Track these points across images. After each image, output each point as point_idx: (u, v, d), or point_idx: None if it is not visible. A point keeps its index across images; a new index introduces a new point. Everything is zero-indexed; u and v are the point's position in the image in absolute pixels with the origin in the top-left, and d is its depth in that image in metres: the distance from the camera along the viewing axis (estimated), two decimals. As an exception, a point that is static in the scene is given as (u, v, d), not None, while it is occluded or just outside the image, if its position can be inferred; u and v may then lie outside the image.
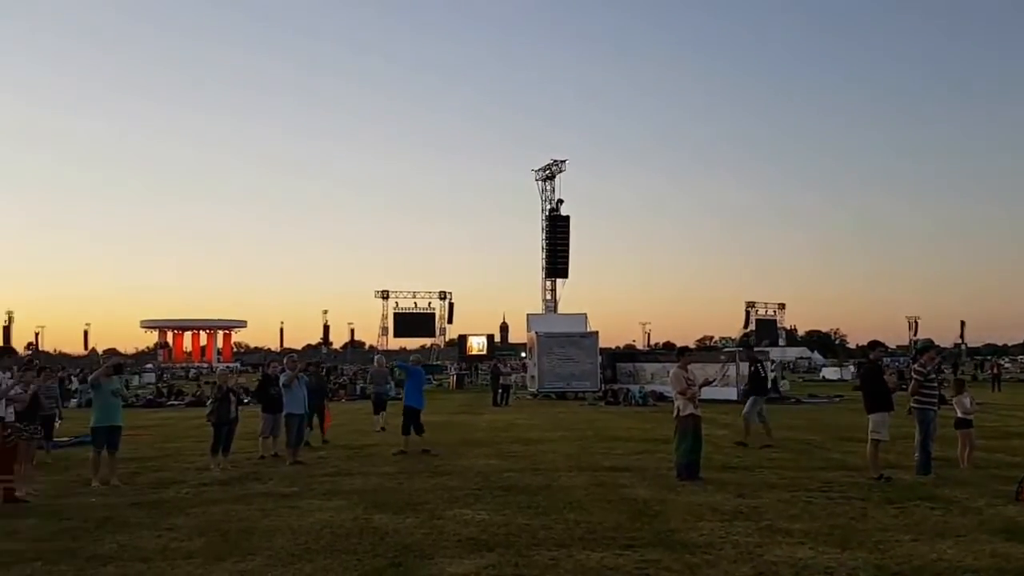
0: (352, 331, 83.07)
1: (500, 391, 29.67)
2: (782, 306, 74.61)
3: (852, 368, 50.48)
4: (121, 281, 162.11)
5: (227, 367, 31.95)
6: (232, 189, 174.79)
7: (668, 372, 33.71)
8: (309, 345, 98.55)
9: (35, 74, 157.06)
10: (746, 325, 71.22)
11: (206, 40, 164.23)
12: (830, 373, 55.53)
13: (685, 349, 12.91)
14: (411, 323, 64.81)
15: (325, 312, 77.52)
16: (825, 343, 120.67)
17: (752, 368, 15.99)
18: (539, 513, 8.62)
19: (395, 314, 64.36)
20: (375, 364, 21.28)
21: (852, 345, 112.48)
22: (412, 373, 15.00)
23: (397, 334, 65.18)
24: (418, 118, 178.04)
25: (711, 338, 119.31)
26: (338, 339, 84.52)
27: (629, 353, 45.03)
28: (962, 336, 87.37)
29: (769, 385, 17.76)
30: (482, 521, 8.24)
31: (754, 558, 6.69)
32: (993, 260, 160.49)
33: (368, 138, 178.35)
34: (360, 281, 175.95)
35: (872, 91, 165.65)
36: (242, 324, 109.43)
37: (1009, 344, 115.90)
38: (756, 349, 24.76)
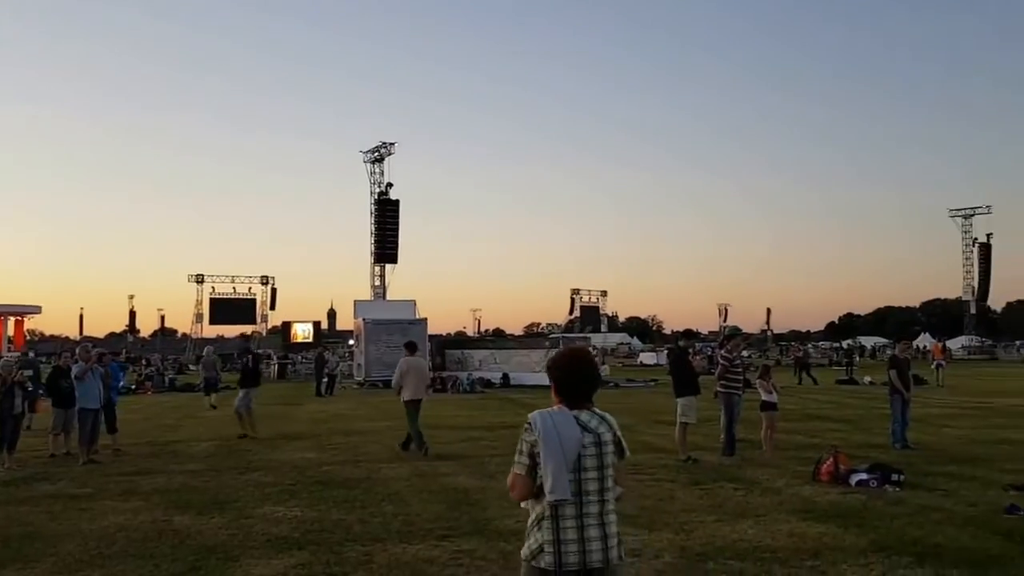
0: (162, 318, 79.27)
1: (325, 380, 28.95)
2: (604, 293, 77.43)
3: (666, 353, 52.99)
4: None
5: (16, 356, 29.28)
6: (29, 159, 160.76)
7: (496, 359, 34.13)
8: (113, 333, 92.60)
9: None
10: (571, 312, 73.40)
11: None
12: (647, 358, 58.01)
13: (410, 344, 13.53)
14: (229, 309, 62.33)
15: (131, 297, 73.35)
16: (643, 329, 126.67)
17: (243, 361, 15.79)
18: (356, 507, 8.42)
19: (211, 299, 61.65)
20: (206, 354, 25.17)
21: (668, 331, 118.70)
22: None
23: (213, 321, 62.49)
24: (236, 92, 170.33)
25: (538, 325, 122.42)
26: (146, 326, 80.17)
27: (458, 340, 45.16)
28: (768, 323, 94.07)
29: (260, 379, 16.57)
30: (294, 518, 7.94)
31: (566, 543, 6.78)
32: (802, 248, 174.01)
33: (193, 110, 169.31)
34: (172, 264, 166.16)
35: (695, 74, 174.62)
36: (36, 310, 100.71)
37: (812, 331, 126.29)
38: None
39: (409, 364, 12.88)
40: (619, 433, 3.27)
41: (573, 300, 73.25)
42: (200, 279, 61.83)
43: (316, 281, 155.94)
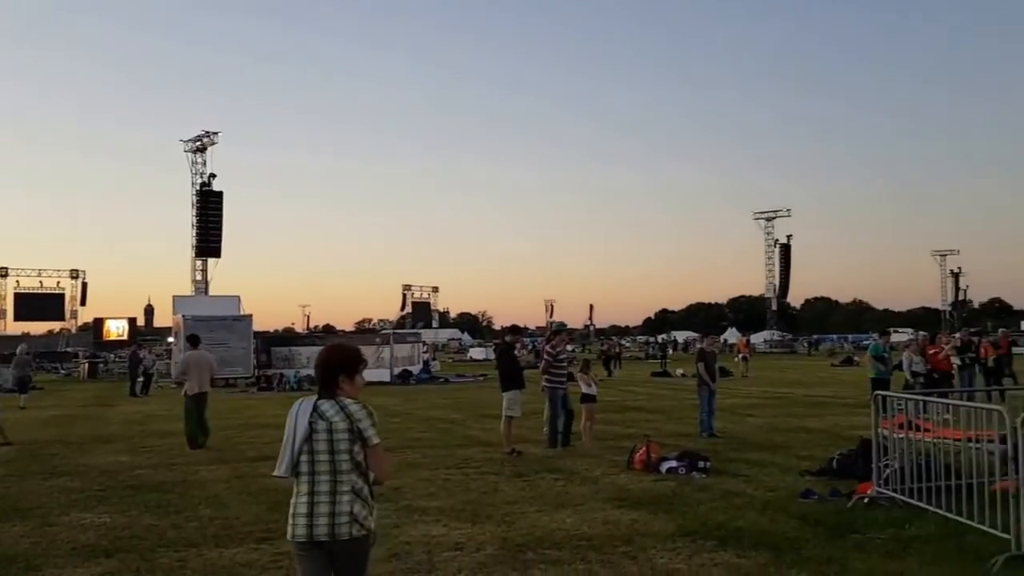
0: (-40, 314, 72.31)
1: (140, 380, 27.45)
2: (436, 289, 77.66)
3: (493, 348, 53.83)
4: None
5: None
6: None
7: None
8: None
9: None
10: (403, 307, 73.15)
11: None
12: (477, 353, 58.61)
13: (192, 338, 13.76)
14: (35, 305, 57.98)
15: (-77, 292, 66.51)
16: (474, 325, 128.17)
17: None
18: (170, 512, 8.08)
19: (16, 294, 57.10)
20: (19, 352, 24.66)
21: (498, 326, 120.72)
22: None
23: (18, 317, 57.88)
24: (46, 69, 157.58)
25: (370, 320, 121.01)
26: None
27: (285, 337, 43.87)
28: (591, 318, 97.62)
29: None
30: (103, 525, 7.55)
31: (390, 539, 6.80)
32: (623, 247, 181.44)
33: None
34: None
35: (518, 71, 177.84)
36: None
37: (631, 326, 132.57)
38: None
39: (192, 358, 13.19)
40: (361, 424, 3.55)
41: (405, 296, 73.03)
42: (3, 272, 57.10)
43: (133, 275, 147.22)
